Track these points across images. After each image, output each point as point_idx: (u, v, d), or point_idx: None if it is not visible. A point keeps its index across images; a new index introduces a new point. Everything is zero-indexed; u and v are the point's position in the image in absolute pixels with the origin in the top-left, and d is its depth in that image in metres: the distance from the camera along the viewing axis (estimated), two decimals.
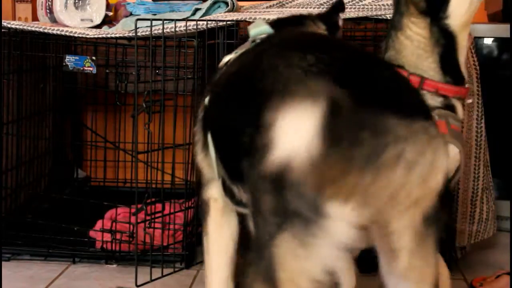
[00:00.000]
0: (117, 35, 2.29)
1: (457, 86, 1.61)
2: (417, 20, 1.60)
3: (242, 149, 1.16)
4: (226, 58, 1.58)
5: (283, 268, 1.05)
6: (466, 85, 1.65)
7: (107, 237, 2.33)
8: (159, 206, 2.27)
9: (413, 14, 1.61)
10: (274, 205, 1.06)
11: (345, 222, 1.04)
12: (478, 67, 2.24)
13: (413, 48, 1.61)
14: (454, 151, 1.58)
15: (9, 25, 2.36)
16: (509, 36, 2.63)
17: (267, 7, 2.49)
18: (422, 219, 1.09)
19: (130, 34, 2.24)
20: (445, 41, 1.60)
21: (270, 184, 1.05)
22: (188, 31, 2.16)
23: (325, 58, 1.13)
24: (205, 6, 2.32)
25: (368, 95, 1.05)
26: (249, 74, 1.27)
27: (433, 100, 1.59)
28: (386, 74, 1.18)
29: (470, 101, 2.08)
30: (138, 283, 2.11)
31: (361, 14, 2.18)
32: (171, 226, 2.35)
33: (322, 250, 1.04)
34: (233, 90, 1.32)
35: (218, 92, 1.42)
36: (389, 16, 2.16)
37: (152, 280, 2.10)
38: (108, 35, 2.30)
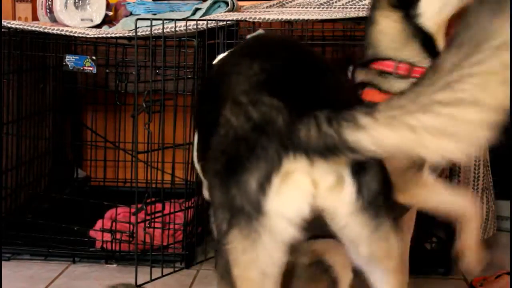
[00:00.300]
0: (117, 35, 2.29)
1: None
2: (389, 14, 1.57)
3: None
4: (220, 57, 1.60)
5: (236, 264, 1.14)
6: None
7: (107, 237, 2.33)
8: (159, 206, 2.27)
9: (386, 8, 1.58)
10: (223, 201, 1.15)
11: (285, 219, 1.11)
12: None
13: (388, 42, 1.58)
14: None
15: (9, 25, 2.36)
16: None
17: (267, 7, 2.49)
18: (367, 216, 1.16)
19: (130, 34, 2.24)
20: (421, 36, 1.56)
21: (219, 180, 1.16)
22: (188, 31, 2.16)
23: (267, 68, 1.23)
24: (205, 6, 2.32)
25: (301, 108, 1.12)
26: (216, 77, 1.38)
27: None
28: (325, 81, 1.25)
29: None
30: (138, 283, 2.11)
31: (361, 14, 2.18)
32: (171, 226, 2.35)
33: (267, 245, 1.12)
34: (206, 92, 1.45)
35: (200, 92, 1.50)
36: None
37: (152, 280, 2.10)
38: (108, 35, 2.30)
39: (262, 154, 1.12)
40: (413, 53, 1.58)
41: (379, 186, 1.16)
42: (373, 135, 1.04)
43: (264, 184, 1.12)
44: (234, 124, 1.17)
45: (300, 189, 1.12)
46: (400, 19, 1.57)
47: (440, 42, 1.56)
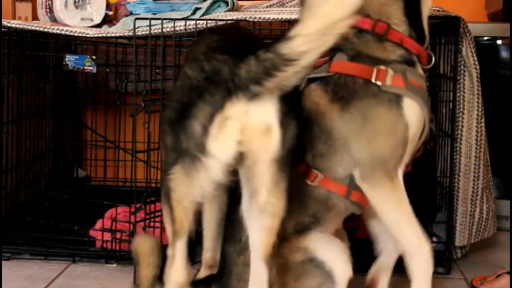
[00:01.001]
0: (117, 35, 2.29)
1: (420, 45, 1.58)
2: None
3: None
4: None
5: (174, 190, 1.37)
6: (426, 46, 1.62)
7: (107, 236, 2.33)
8: (158, 205, 2.27)
9: None
10: (173, 145, 1.36)
11: (217, 160, 1.30)
12: (478, 67, 2.24)
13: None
14: (412, 105, 1.54)
15: (9, 25, 2.36)
16: (509, 36, 2.63)
17: (267, 7, 2.49)
18: (278, 166, 1.34)
19: (130, 34, 2.24)
20: None
21: (172, 127, 1.36)
22: (188, 31, 2.16)
23: (224, 38, 1.46)
24: (205, 5, 2.32)
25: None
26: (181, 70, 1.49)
27: (392, 53, 1.55)
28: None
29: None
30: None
31: None
32: None
33: (201, 181, 1.33)
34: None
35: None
36: None
37: None
38: (108, 35, 2.30)
39: (209, 99, 1.29)
40: (394, 14, 1.56)
41: (291, 145, 1.35)
42: (302, 35, 1.20)
43: (207, 127, 1.29)
44: (190, 75, 1.35)
45: (232, 136, 1.29)
46: None
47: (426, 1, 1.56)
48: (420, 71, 1.60)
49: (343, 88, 1.53)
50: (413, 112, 1.54)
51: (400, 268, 1.65)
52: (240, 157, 1.32)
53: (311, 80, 1.58)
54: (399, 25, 1.56)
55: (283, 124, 1.32)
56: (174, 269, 1.53)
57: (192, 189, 1.35)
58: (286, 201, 1.39)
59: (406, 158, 1.57)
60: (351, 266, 1.54)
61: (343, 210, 1.60)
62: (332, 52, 1.56)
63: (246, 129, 1.30)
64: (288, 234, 1.54)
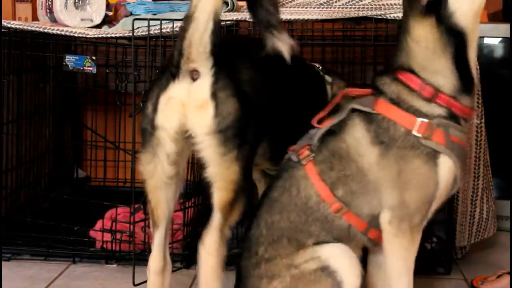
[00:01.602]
0: (117, 35, 2.29)
1: (466, 106, 1.58)
2: (422, 20, 1.54)
3: None
4: None
5: (144, 173, 1.61)
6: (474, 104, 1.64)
7: (107, 237, 2.33)
8: None
9: (417, 15, 1.55)
10: (140, 127, 1.59)
11: (166, 132, 1.51)
12: (478, 67, 2.24)
13: (421, 51, 1.55)
14: (448, 163, 1.55)
15: (9, 25, 2.36)
16: (509, 36, 2.63)
17: None
18: (220, 139, 1.50)
19: (130, 34, 2.24)
20: (455, 40, 1.53)
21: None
22: None
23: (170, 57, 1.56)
24: None
25: None
26: None
27: (438, 109, 1.55)
28: None
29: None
30: (136, 282, 2.11)
31: (361, 14, 2.18)
32: (171, 226, 2.34)
33: (160, 156, 1.54)
34: None
35: None
36: (389, 16, 2.16)
37: None
38: (108, 35, 2.30)
39: (157, 83, 1.53)
40: (442, 68, 1.55)
41: (233, 119, 1.49)
42: None
43: (155, 105, 1.52)
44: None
45: (174, 110, 1.50)
46: (433, 23, 1.54)
47: (474, 37, 1.55)
48: (463, 124, 1.60)
49: (384, 133, 1.55)
50: (447, 171, 1.55)
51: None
52: (185, 131, 1.52)
53: (353, 110, 1.60)
54: (447, 79, 1.56)
55: (219, 99, 1.49)
56: (152, 257, 1.69)
57: (156, 166, 1.57)
58: (238, 169, 1.53)
59: (430, 214, 1.61)
60: (361, 279, 1.58)
61: (360, 243, 1.64)
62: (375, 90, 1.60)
63: (186, 105, 1.50)
64: (306, 245, 1.58)
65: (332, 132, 1.60)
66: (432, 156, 1.53)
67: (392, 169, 1.54)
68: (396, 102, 1.56)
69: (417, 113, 1.55)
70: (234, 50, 1.62)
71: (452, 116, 1.56)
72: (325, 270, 1.54)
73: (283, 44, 1.53)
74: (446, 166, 1.55)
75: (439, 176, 1.55)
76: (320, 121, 1.64)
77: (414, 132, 1.53)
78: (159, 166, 1.57)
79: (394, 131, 1.54)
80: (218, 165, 1.52)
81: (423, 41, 1.55)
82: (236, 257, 1.69)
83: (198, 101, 1.50)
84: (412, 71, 1.57)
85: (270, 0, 1.52)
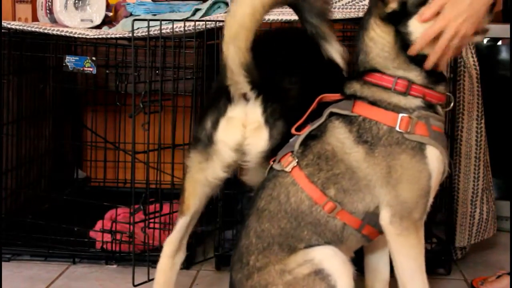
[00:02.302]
0: (117, 36, 2.29)
1: (440, 93, 1.59)
2: (381, 24, 1.57)
3: None
4: None
5: (189, 168, 1.79)
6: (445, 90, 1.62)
7: (107, 237, 2.33)
8: (158, 206, 2.27)
9: (378, 17, 1.58)
10: (193, 135, 1.85)
11: (226, 145, 1.69)
12: (478, 67, 2.24)
13: (379, 51, 1.58)
14: (435, 153, 1.56)
15: (9, 26, 2.36)
16: (509, 36, 2.63)
17: None
18: (270, 155, 1.69)
19: (130, 35, 2.24)
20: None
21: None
22: (187, 32, 2.16)
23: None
24: (205, 6, 2.32)
25: None
26: None
27: (415, 101, 1.56)
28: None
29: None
30: (136, 283, 2.11)
31: (361, 14, 2.18)
32: (171, 227, 2.34)
33: (214, 162, 1.73)
34: None
35: None
36: None
37: (150, 280, 2.09)
38: (108, 36, 2.30)
39: (216, 104, 1.71)
40: (403, 66, 1.57)
41: (281, 137, 1.66)
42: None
43: (215, 124, 1.71)
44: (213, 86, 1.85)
45: (236, 128, 1.68)
46: (391, 31, 1.57)
47: (430, 57, 1.55)
48: (441, 112, 1.61)
49: (367, 132, 1.56)
50: (436, 161, 1.57)
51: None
52: (241, 146, 1.69)
53: (332, 114, 1.61)
54: (412, 71, 1.57)
55: (270, 124, 1.65)
56: (168, 240, 1.86)
57: (208, 168, 1.75)
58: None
59: (429, 207, 1.61)
60: (353, 282, 1.57)
61: (352, 244, 1.64)
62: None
63: (246, 126, 1.67)
64: (297, 249, 1.56)
65: (314, 137, 1.61)
66: (419, 149, 1.54)
67: (381, 166, 1.54)
68: (374, 102, 1.57)
69: (397, 108, 1.56)
70: (274, 64, 1.71)
71: (430, 106, 1.58)
72: (319, 274, 1.52)
73: (335, 53, 1.67)
74: (435, 156, 1.56)
75: (430, 167, 1.55)
76: (298, 129, 1.64)
77: (397, 128, 1.54)
78: (211, 169, 1.75)
79: (377, 130, 1.55)
80: (255, 173, 1.74)
81: (379, 42, 1.58)
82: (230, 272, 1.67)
83: (255, 123, 1.66)
84: (377, 71, 1.58)
85: (315, 9, 1.64)
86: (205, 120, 1.73)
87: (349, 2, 2.37)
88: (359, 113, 1.57)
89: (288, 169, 1.59)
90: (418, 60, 1.56)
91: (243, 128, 1.67)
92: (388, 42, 1.57)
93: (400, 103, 1.56)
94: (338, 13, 2.19)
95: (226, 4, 2.34)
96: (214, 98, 1.75)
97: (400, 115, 1.55)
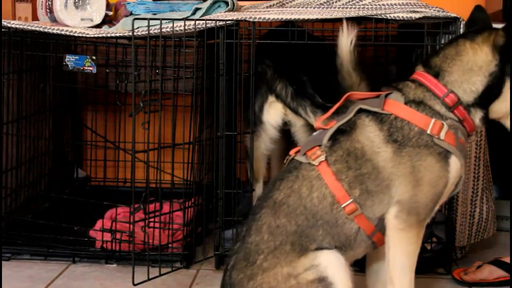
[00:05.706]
0: (117, 35, 2.29)
1: (475, 125, 1.64)
2: (484, 48, 1.60)
3: None
4: None
5: (248, 146, 2.29)
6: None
7: (107, 236, 2.33)
8: (158, 205, 2.27)
9: (485, 43, 1.61)
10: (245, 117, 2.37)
11: (271, 125, 2.30)
12: None
13: (463, 69, 1.61)
14: (457, 164, 1.60)
15: (9, 25, 2.36)
16: None
17: (267, 7, 2.49)
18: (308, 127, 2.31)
19: (130, 34, 2.24)
20: (490, 84, 1.60)
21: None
22: (187, 31, 2.16)
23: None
24: (205, 5, 2.32)
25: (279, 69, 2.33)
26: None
27: (452, 114, 1.61)
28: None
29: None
30: (136, 282, 2.10)
31: (361, 14, 2.18)
32: (171, 226, 2.34)
33: (264, 138, 2.31)
34: None
35: None
36: (389, 16, 2.16)
37: (149, 279, 2.09)
38: (108, 35, 2.30)
39: (259, 91, 2.28)
40: (470, 86, 1.60)
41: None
42: None
43: (261, 108, 2.29)
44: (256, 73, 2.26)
45: (278, 110, 2.28)
46: (489, 54, 1.59)
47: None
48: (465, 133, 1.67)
49: (398, 132, 1.58)
50: (456, 171, 1.61)
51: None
52: (285, 120, 2.28)
53: (361, 110, 1.63)
54: (470, 103, 1.62)
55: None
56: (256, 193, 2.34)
57: (260, 143, 2.31)
58: None
59: (435, 212, 1.64)
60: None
61: (362, 250, 1.65)
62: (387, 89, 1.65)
63: (284, 107, 2.27)
64: (308, 250, 1.56)
65: (343, 132, 1.61)
66: (444, 156, 1.58)
67: (406, 165, 1.56)
68: (409, 101, 1.60)
69: (432, 113, 1.59)
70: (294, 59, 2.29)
71: (460, 121, 1.62)
72: (322, 282, 1.52)
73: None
74: (456, 167, 1.60)
75: (449, 176, 1.59)
76: (323, 124, 1.65)
77: (428, 132, 1.57)
78: (263, 144, 2.31)
79: (408, 130, 1.58)
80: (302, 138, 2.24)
81: (470, 63, 1.60)
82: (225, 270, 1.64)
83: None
84: (437, 75, 1.62)
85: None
86: (254, 105, 2.26)
87: (349, 1, 2.37)
88: (390, 111, 1.59)
89: (315, 162, 1.58)
90: (484, 102, 1.61)
91: (283, 109, 2.25)
92: (481, 64, 1.60)
93: (440, 111, 1.60)
94: (338, 13, 2.19)
95: (226, 3, 2.34)
96: (258, 86, 2.24)
97: (433, 119, 1.58)
